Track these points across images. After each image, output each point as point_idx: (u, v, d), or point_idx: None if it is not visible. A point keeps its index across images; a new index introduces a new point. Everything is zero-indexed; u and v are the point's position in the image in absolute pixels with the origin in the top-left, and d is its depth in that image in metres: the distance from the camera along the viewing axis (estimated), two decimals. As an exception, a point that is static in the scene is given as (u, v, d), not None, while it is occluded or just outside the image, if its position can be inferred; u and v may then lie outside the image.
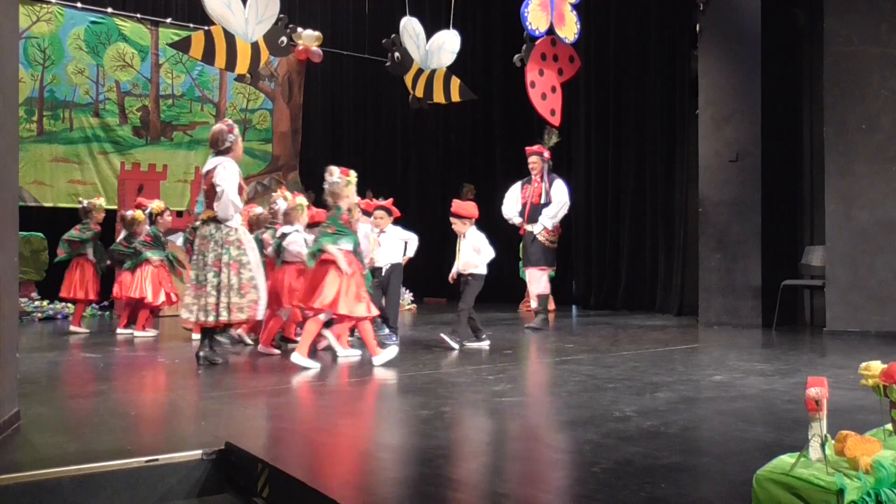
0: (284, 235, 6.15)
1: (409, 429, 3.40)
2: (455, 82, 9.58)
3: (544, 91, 8.53)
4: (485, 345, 6.42)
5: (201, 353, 5.37)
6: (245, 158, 11.45)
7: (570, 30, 8.62)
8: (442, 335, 6.37)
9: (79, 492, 2.72)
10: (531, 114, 9.70)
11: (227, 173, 5.30)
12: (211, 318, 5.25)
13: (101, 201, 8.25)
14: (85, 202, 8.11)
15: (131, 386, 4.72)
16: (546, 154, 8.12)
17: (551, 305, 10.36)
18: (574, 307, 10.81)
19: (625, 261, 10.60)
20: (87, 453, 2.93)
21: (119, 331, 7.48)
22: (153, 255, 7.53)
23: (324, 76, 12.13)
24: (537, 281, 8.04)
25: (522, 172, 12.59)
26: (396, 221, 6.98)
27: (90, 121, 10.23)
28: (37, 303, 9.04)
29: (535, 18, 8.24)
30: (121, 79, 10.44)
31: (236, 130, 5.46)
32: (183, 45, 7.62)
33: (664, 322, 8.89)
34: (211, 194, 5.33)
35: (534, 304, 8.18)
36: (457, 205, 6.55)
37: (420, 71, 9.32)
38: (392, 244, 6.85)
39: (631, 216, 10.49)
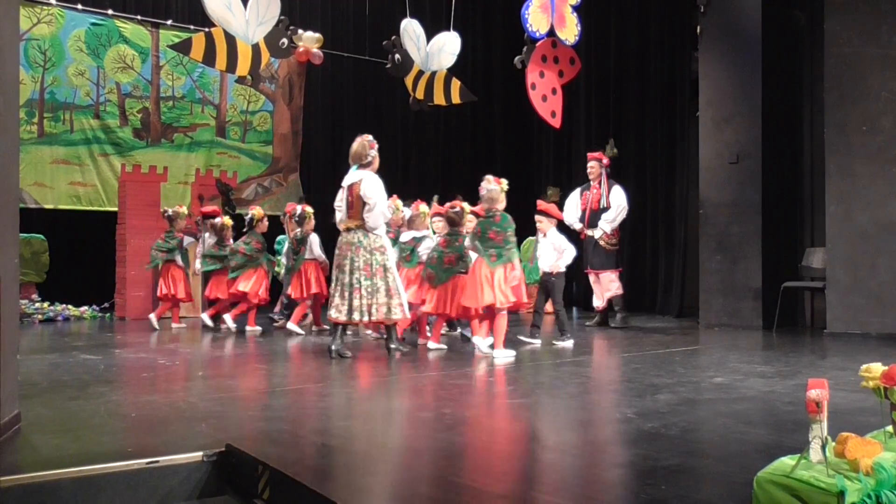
0: (415, 240, 6.70)
1: (410, 430, 3.40)
2: (455, 84, 9.58)
3: (545, 93, 8.53)
4: (569, 344, 6.61)
5: (333, 347, 5.78)
6: (245, 160, 11.50)
7: (570, 31, 8.62)
8: (554, 342, 6.67)
9: (79, 493, 2.72)
10: (532, 115, 9.70)
11: (375, 187, 5.74)
12: (365, 318, 5.73)
13: (184, 209, 8.69)
14: (169, 210, 8.55)
15: (132, 387, 4.72)
16: (605, 160, 8.36)
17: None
18: (574, 308, 10.80)
19: (625, 262, 10.59)
20: (87, 455, 2.94)
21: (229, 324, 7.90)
22: (265, 259, 8.04)
23: (324, 78, 12.12)
24: (608, 284, 8.32)
25: (522, 173, 12.64)
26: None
27: (91, 122, 10.23)
28: (37, 304, 9.03)
29: (536, 20, 8.23)
30: (121, 80, 10.44)
31: (376, 146, 5.93)
32: (183, 47, 7.62)
33: (665, 324, 8.89)
34: (357, 205, 5.75)
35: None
36: (544, 204, 6.89)
37: (420, 73, 9.31)
38: None
39: (631, 218, 10.48)
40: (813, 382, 2.12)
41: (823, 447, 2.06)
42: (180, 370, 5.39)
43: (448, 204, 6.44)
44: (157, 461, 2.88)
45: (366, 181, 5.74)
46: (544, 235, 6.77)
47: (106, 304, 9.46)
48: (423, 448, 3.07)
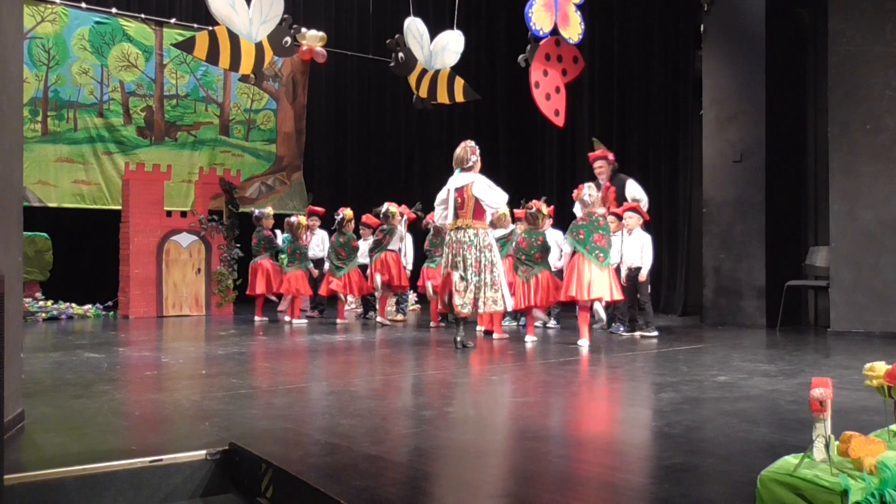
0: (502, 238, 7.18)
1: (412, 429, 3.40)
2: (459, 83, 9.57)
3: (548, 91, 8.51)
4: (655, 334, 7.05)
5: (458, 338, 6.19)
6: (249, 159, 11.50)
7: (574, 30, 8.59)
8: (636, 334, 7.14)
9: (83, 492, 2.72)
10: (535, 114, 9.69)
11: (491, 188, 6.20)
12: (477, 310, 6.20)
13: (302, 218, 9.03)
14: (294, 219, 8.95)
15: (135, 386, 4.72)
16: (611, 157, 7.85)
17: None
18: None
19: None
20: (91, 453, 2.94)
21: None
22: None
23: (328, 76, 12.13)
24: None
25: (526, 172, 12.63)
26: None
27: (94, 121, 10.25)
28: (41, 303, 9.04)
29: (540, 19, 8.21)
30: (125, 79, 10.46)
31: (478, 151, 6.34)
32: (187, 46, 7.61)
33: (668, 322, 8.88)
34: (468, 205, 6.19)
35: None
36: (631, 203, 7.29)
37: (424, 71, 9.30)
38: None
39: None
40: (816, 381, 2.12)
41: (827, 446, 2.06)
42: (184, 368, 5.40)
43: (527, 204, 6.88)
44: (160, 459, 2.89)
45: (478, 184, 6.15)
46: (630, 233, 7.08)
47: (109, 303, 9.47)
48: (426, 446, 3.07)
